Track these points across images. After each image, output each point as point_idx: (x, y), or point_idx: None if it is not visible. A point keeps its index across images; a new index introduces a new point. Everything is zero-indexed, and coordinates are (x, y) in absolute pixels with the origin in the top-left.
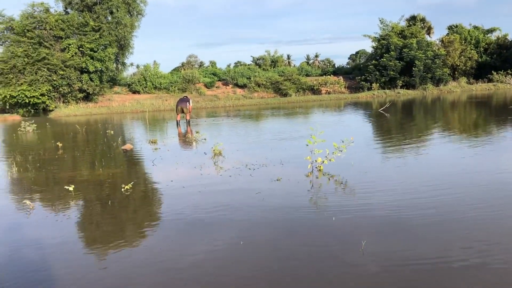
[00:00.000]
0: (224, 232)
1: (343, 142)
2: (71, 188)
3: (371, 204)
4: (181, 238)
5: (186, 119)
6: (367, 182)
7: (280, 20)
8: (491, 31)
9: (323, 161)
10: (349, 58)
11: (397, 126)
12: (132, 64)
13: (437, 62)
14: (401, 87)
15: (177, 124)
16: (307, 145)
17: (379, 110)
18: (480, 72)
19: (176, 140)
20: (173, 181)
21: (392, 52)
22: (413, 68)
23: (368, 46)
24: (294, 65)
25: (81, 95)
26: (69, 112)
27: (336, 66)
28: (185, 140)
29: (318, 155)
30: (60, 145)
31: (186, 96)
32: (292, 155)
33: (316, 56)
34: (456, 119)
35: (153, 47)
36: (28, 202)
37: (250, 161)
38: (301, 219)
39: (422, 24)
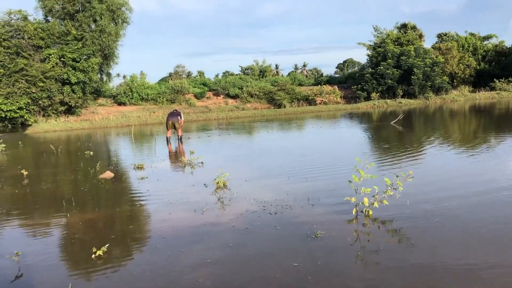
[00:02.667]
0: None
1: (397, 177)
2: (15, 258)
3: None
4: None
5: (178, 135)
6: (432, 228)
7: (267, 30)
8: (487, 38)
9: (372, 203)
10: (336, 68)
11: (428, 141)
12: (118, 75)
13: (436, 70)
14: (401, 96)
15: (167, 141)
16: (350, 181)
17: (391, 123)
18: (479, 80)
19: (167, 164)
20: (165, 238)
21: (389, 60)
22: (412, 76)
23: (356, 55)
24: (282, 74)
25: (62, 108)
26: (48, 127)
27: (323, 75)
28: (177, 163)
29: (360, 194)
30: (25, 173)
31: (177, 110)
32: (319, 188)
33: (304, 65)
34: (492, 131)
35: (139, 57)
36: None
37: (266, 199)
38: None
39: (413, 32)
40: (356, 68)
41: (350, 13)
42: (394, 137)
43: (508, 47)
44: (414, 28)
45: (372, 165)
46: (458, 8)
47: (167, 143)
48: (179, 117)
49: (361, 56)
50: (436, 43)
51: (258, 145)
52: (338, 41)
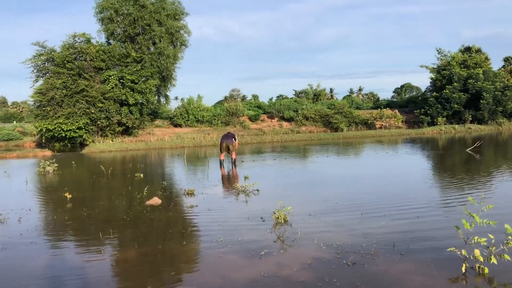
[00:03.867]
0: None
1: None
2: None
3: None
4: None
5: (232, 158)
6: None
7: (323, 54)
8: None
9: (488, 258)
10: (394, 92)
11: None
12: (176, 98)
13: (509, 94)
14: (470, 122)
15: (221, 164)
16: (457, 227)
17: (467, 150)
18: None
19: (219, 190)
20: None
21: (455, 84)
22: (481, 101)
23: (414, 80)
24: (337, 98)
25: (120, 128)
26: (103, 147)
27: (380, 99)
28: (231, 189)
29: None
30: (69, 196)
31: (231, 132)
32: (402, 229)
33: (360, 89)
34: None
35: (197, 81)
36: None
37: (339, 241)
38: None
39: (470, 57)
40: (414, 93)
41: (408, 38)
42: (480, 168)
43: None
44: (478, 51)
45: (491, 207)
46: None
47: (220, 166)
48: (233, 139)
49: (419, 81)
50: (503, 67)
51: (318, 171)
52: (395, 65)
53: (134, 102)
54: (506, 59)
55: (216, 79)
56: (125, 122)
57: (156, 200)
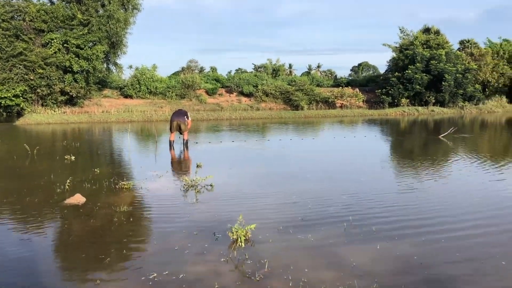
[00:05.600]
0: None
1: None
2: None
3: None
4: None
5: (184, 139)
6: None
7: (283, 29)
8: None
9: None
10: (351, 70)
11: None
12: (131, 67)
13: (469, 77)
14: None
15: (171, 146)
16: None
17: (440, 136)
18: None
19: (164, 183)
20: None
21: (418, 64)
22: (443, 83)
23: (371, 59)
24: (295, 74)
25: (63, 97)
26: (41, 119)
27: (337, 77)
28: (178, 181)
29: None
30: None
31: (183, 109)
32: (408, 255)
33: (318, 66)
34: None
35: (153, 51)
36: None
37: (326, 278)
38: None
39: (433, 37)
40: (371, 72)
41: (367, 17)
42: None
43: None
44: (437, 33)
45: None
46: (477, 16)
47: (170, 149)
48: (185, 117)
49: (377, 60)
50: (459, 49)
51: (287, 159)
52: (353, 44)
53: (79, 69)
54: (461, 42)
55: (174, 49)
56: (68, 90)
57: (78, 198)
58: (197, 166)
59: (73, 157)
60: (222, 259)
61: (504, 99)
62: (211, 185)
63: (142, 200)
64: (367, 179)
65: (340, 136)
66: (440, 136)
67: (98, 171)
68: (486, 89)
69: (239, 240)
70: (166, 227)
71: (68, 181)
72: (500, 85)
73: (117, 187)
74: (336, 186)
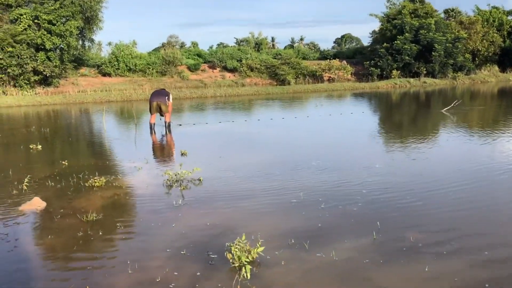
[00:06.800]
0: None
1: None
2: None
3: None
4: None
5: (165, 122)
6: None
7: (264, 1)
8: None
9: None
10: (334, 42)
11: None
12: (110, 44)
13: (459, 46)
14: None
15: (151, 129)
16: None
17: (442, 111)
18: (504, 59)
19: (143, 177)
20: None
21: (406, 34)
22: (433, 53)
23: (353, 31)
24: (278, 47)
25: (36, 77)
26: (11, 101)
27: (321, 50)
28: (160, 175)
29: None
30: None
31: (164, 89)
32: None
33: (301, 39)
34: None
35: (132, 26)
36: None
37: None
38: None
39: (422, 6)
40: (354, 44)
41: None
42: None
43: None
44: (422, 1)
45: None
46: None
47: (151, 133)
48: (166, 98)
49: (359, 31)
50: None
51: (283, 142)
52: (335, 15)
53: (52, 46)
54: (446, 11)
55: (153, 24)
56: (42, 70)
57: (37, 203)
58: (182, 154)
59: (39, 146)
60: (210, 275)
61: (496, 68)
62: (199, 180)
63: (115, 203)
64: (390, 169)
65: (336, 113)
66: (443, 111)
67: (66, 163)
68: (476, 59)
69: (243, 270)
70: (144, 245)
71: (26, 179)
72: (490, 54)
73: (86, 184)
74: (351, 177)
